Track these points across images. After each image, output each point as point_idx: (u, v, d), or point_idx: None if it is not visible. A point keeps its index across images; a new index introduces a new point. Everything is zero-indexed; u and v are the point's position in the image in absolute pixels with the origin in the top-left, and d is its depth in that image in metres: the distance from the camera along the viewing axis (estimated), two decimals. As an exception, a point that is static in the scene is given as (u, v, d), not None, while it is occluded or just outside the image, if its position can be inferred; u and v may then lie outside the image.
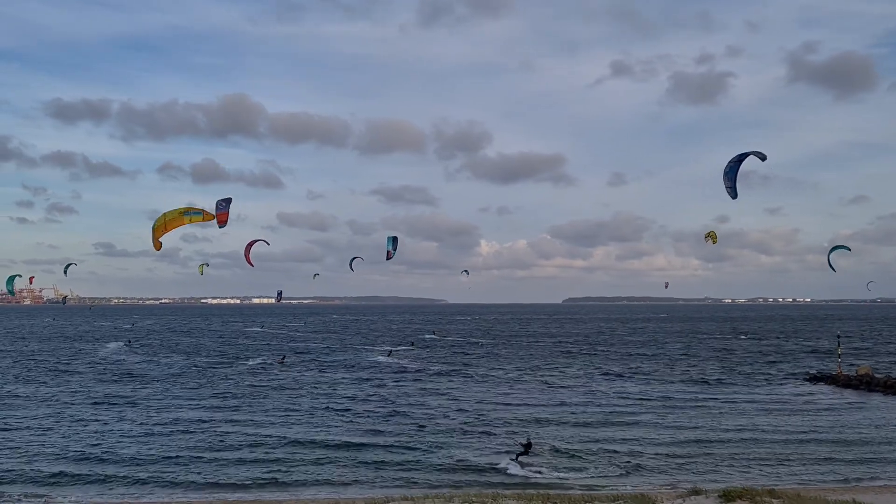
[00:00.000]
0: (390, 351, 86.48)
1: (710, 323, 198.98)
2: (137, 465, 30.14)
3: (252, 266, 70.83)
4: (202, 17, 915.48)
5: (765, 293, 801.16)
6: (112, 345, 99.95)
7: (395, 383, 56.34)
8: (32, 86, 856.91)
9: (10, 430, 37.06)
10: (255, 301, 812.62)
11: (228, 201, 47.38)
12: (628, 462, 30.66)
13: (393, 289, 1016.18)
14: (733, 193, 39.83)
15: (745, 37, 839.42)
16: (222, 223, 46.19)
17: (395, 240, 55.74)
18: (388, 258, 55.37)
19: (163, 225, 31.50)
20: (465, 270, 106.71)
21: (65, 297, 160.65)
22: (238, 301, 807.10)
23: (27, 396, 48.86)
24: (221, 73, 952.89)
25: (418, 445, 33.47)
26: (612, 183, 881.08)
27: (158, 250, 31.67)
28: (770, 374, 63.63)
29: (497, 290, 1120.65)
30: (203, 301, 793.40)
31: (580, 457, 31.37)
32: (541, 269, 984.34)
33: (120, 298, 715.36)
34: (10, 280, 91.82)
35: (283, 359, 74.06)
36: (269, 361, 72.69)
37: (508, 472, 29.12)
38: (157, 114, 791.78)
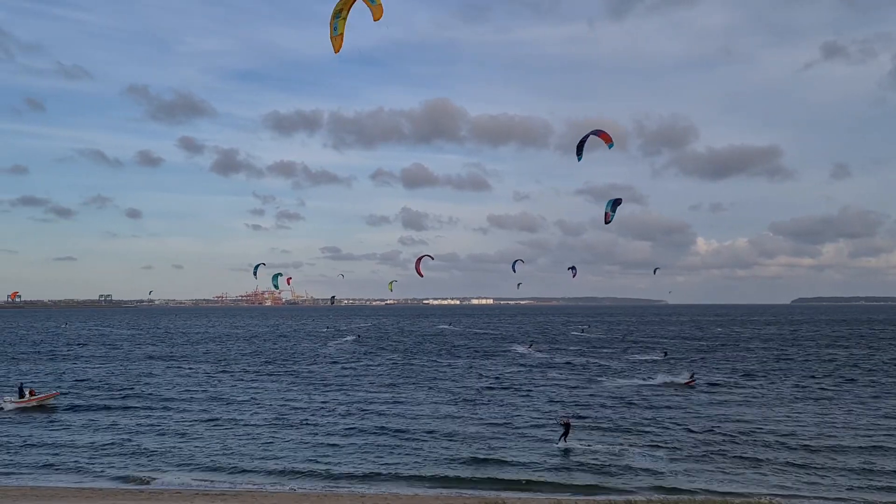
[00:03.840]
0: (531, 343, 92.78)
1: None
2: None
3: (422, 276, 76.40)
4: (407, 27, 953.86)
5: None
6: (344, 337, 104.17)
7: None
8: (253, 100, 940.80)
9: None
10: (475, 302, 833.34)
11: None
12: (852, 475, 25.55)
13: (609, 289, 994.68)
14: None
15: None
16: None
17: (615, 202, 49.99)
18: (606, 221, 50.15)
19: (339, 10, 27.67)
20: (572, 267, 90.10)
21: (333, 297, 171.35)
22: (458, 302, 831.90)
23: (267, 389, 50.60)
24: (425, 80, 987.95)
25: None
26: (835, 175, 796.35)
27: (338, 51, 28.26)
28: None
29: (718, 290, 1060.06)
30: (425, 302, 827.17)
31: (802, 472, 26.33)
32: (764, 268, 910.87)
33: (349, 299, 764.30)
34: (276, 277, 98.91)
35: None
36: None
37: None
38: (364, 122, 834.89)
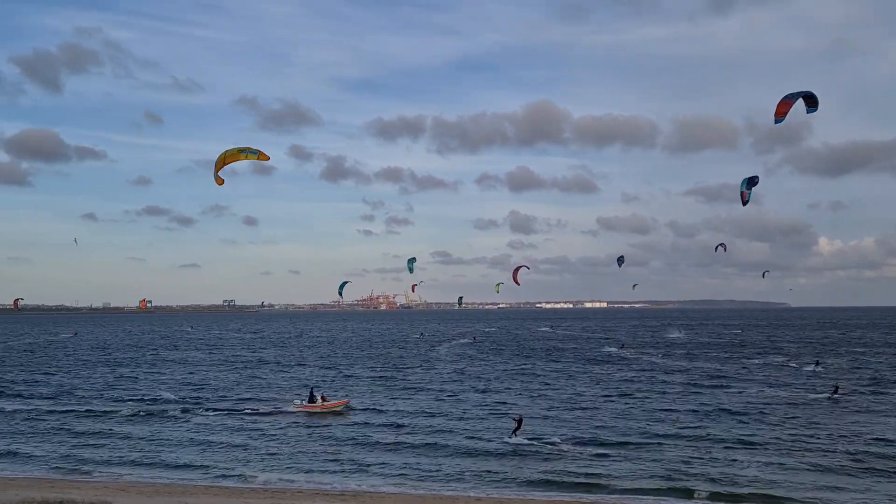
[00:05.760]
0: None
1: None
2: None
3: (518, 285, 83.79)
4: (506, 30, 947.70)
5: None
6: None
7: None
8: (357, 108, 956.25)
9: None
10: (587, 305, 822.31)
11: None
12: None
13: (727, 292, 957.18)
14: None
15: None
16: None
17: (749, 181, 48.30)
18: (743, 203, 48.61)
19: (222, 160, 33.02)
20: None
21: (461, 298, 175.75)
22: (570, 305, 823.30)
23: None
24: (526, 82, 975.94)
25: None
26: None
27: (221, 185, 33.30)
28: None
29: (844, 291, 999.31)
30: (538, 305, 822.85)
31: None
32: (894, 269, 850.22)
33: (464, 304, 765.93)
34: (411, 262, 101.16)
35: None
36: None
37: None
38: (466, 126, 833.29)
